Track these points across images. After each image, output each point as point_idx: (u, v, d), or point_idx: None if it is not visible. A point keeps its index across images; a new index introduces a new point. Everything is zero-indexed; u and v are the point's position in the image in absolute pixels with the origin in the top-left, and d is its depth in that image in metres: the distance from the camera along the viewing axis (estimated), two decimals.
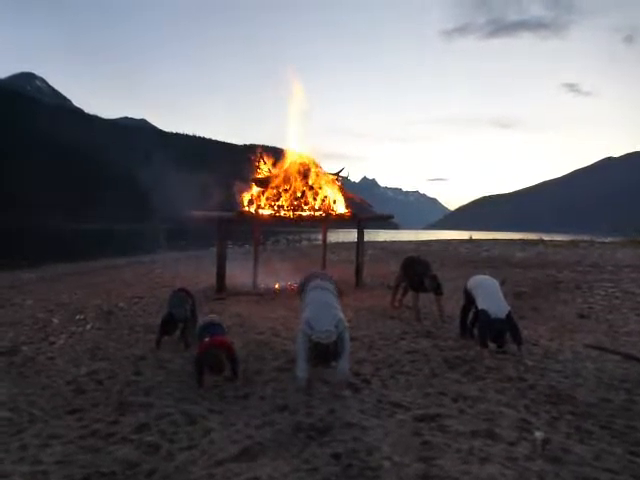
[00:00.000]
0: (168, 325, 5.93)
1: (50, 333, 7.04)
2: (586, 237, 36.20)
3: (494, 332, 5.47)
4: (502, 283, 10.98)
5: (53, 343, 6.45)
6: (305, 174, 11.17)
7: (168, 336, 6.03)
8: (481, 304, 5.77)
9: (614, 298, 9.59)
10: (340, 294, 5.00)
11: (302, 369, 4.19)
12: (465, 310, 6.46)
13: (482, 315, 5.66)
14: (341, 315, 4.33)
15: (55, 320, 7.95)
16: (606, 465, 3.05)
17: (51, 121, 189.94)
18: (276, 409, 3.95)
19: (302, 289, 4.89)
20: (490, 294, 5.86)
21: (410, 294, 8.09)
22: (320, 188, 11.14)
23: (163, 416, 3.88)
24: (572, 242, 27.31)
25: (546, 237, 35.02)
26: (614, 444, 3.35)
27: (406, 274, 8.09)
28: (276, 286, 11.25)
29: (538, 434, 3.20)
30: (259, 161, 11.37)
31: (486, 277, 6.49)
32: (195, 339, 5.17)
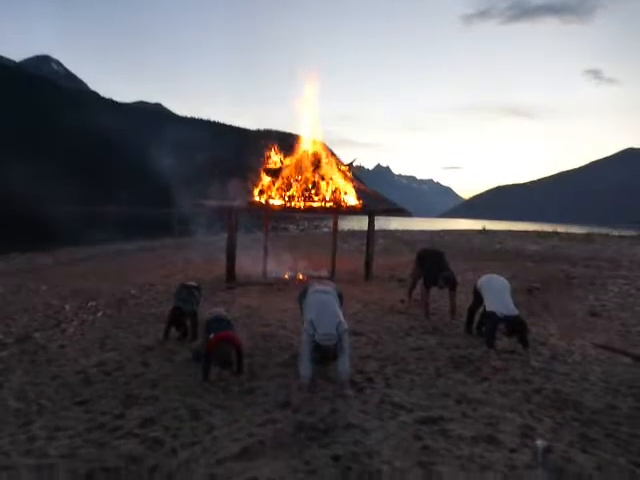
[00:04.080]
0: (176, 318, 5.99)
1: (62, 320, 7.18)
2: (603, 230, 35.61)
3: (506, 326, 5.44)
4: (513, 277, 10.92)
5: (64, 331, 6.58)
6: (316, 164, 11.11)
7: (175, 328, 6.09)
8: (489, 305, 5.72)
9: (628, 296, 9.45)
10: (342, 299, 5.04)
11: (306, 368, 4.25)
12: (473, 308, 6.40)
13: (490, 316, 5.62)
14: (341, 318, 4.43)
15: (67, 307, 8.10)
16: (608, 476, 3.02)
17: (66, 104, 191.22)
18: (279, 406, 3.98)
19: (303, 295, 4.98)
20: (498, 294, 5.80)
21: (420, 288, 8.01)
22: (331, 179, 11.08)
23: (168, 410, 3.93)
24: (588, 235, 26.91)
25: (561, 229, 34.56)
26: (618, 454, 3.31)
27: (421, 267, 7.94)
28: (286, 276, 11.29)
29: (539, 442, 3.16)
30: (271, 151, 11.33)
31: (496, 276, 6.41)
32: (200, 332, 5.24)
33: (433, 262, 7.59)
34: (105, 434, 3.54)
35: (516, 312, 5.59)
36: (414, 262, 8.37)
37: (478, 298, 6.19)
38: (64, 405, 4.07)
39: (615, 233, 32.45)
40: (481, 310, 6.20)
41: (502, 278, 6.34)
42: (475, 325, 6.38)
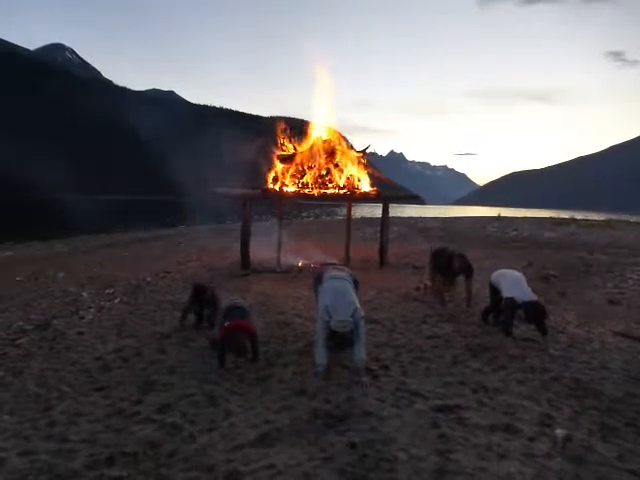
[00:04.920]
0: (198, 290, 6.04)
1: (80, 307, 7.27)
2: (622, 217, 34.87)
3: (525, 312, 5.36)
4: (529, 265, 10.77)
5: (82, 318, 6.66)
6: (330, 151, 11.02)
7: (192, 311, 6.12)
8: (507, 292, 5.64)
9: None
10: (357, 285, 4.98)
11: (321, 355, 4.23)
12: (490, 305, 6.28)
13: (508, 302, 5.54)
14: (357, 304, 4.33)
15: (85, 294, 8.20)
16: (629, 466, 2.97)
17: (81, 92, 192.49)
18: (295, 393, 4.00)
19: (318, 280, 4.92)
20: (515, 283, 5.72)
21: (436, 277, 7.91)
22: (345, 166, 10.98)
23: (185, 396, 3.98)
24: (606, 222, 26.35)
25: (579, 216, 33.94)
26: (638, 443, 3.26)
27: (437, 262, 7.84)
28: (300, 264, 11.28)
29: (559, 431, 3.13)
30: (284, 138, 11.25)
31: (510, 270, 6.31)
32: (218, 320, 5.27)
33: (447, 255, 7.56)
34: (124, 420, 3.59)
35: (535, 298, 5.51)
36: (430, 261, 8.23)
37: (495, 292, 6.07)
38: (83, 391, 4.14)
39: (634, 220, 31.77)
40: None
41: (516, 271, 6.26)
42: (492, 313, 6.30)
